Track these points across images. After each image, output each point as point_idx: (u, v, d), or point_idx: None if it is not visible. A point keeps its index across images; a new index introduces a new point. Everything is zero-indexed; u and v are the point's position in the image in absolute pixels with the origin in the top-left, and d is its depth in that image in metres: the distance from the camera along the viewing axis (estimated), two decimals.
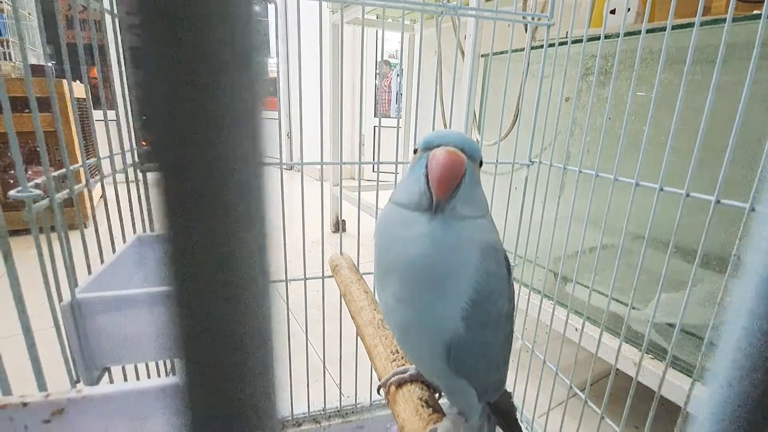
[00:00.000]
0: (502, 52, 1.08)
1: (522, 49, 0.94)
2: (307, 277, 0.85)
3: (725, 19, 0.55)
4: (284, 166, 0.80)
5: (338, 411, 0.93)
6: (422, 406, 0.44)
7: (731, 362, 0.09)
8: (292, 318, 0.89)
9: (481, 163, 0.42)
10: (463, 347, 0.39)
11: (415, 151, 0.43)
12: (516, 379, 0.96)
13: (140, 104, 0.08)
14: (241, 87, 0.08)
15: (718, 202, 0.55)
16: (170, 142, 0.08)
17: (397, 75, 4.14)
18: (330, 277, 0.77)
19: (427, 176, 0.38)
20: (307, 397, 0.89)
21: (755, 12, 0.77)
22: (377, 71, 3.98)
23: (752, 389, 0.09)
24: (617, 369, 0.74)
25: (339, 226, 2.40)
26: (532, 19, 0.86)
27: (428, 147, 0.40)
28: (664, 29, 0.63)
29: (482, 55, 1.19)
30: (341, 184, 2.32)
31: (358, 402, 0.94)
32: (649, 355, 0.87)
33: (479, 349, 0.40)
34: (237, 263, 0.09)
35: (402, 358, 0.52)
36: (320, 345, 0.87)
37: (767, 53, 0.52)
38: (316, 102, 0.75)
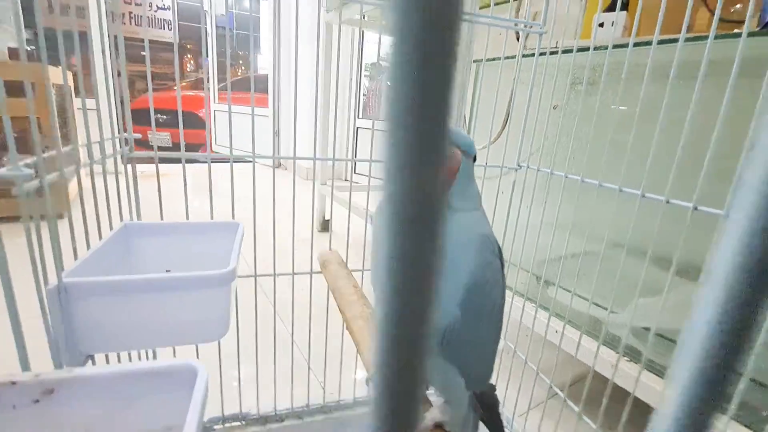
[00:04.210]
0: (494, 59, 1.11)
1: (513, 57, 0.96)
2: (295, 272, 0.85)
3: (707, 36, 0.58)
4: (276, 162, 0.80)
5: (321, 407, 0.93)
6: None
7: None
8: (278, 315, 0.89)
9: (474, 158, 0.44)
10: (457, 333, 0.40)
11: None
12: (498, 379, 0.97)
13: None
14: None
15: (695, 209, 0.57)
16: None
17: None
18: (318, 273, 0.77)
19: None
20: (290, 392, 0.89)
21: (735, 31, 0.81)
22: (366, 73, 3.99)
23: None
24: (595, 371, 0.76)
25: (327, 225, 2.39)
26: (525, 26, 0.88)
27: None
28: (649, 44, 0.66)
29: (475, 61, 1.21)
30: (332, 183, 2.31)
31: (341, 399, 0.94)
32: (626, 358, 0.90)
33: (472, 336, 0.41)
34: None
35: None
36: (305, 342, 0.87)
37: (746, 71, 0.55)
38: (307, 100, 0.75)
